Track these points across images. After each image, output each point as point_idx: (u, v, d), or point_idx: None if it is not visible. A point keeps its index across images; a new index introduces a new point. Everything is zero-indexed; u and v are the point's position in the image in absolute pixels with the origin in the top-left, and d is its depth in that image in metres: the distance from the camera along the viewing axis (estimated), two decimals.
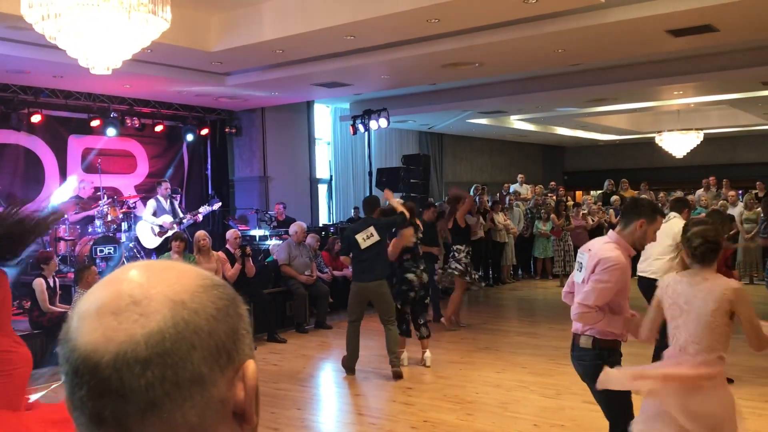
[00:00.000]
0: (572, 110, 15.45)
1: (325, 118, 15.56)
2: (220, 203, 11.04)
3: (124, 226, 9.95)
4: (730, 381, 3.53)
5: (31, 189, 10.29)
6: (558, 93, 12.51)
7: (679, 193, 13.84)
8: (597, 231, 13.70)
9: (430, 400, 5.88)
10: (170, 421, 0.66)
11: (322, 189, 15.47)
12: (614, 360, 3.50)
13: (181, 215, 10.11)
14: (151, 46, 5.42)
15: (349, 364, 6.79)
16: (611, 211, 14.38)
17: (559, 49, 8.58)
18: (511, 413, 5.49)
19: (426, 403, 5.82)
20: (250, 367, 0.72)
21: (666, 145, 16.51)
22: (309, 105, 14.09)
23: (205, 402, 0.68)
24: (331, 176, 15.64)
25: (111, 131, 10.86)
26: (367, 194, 13.52)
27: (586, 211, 13.83)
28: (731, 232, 7.87)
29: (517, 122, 17.60)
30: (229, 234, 8.73)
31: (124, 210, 10.08)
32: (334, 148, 15.65)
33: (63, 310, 7.35)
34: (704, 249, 3.21)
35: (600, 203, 15.01)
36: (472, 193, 13.62)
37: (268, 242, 11.00)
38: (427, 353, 7.02)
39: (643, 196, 14.49)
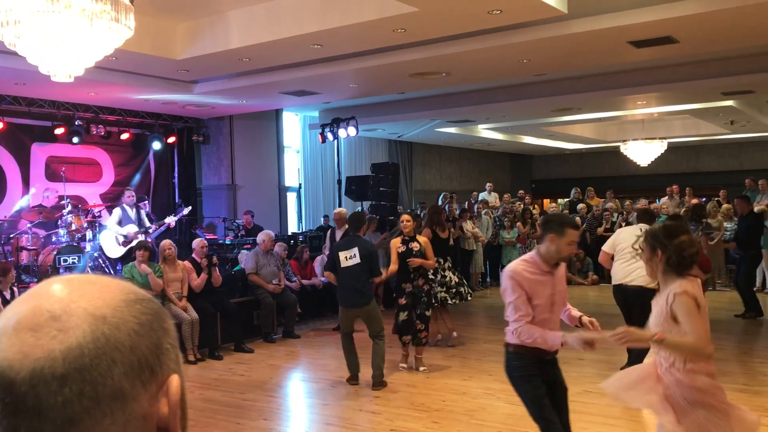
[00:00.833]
0: (539, 120, 15.63)
1: (294, 126, 15.53)
2: (189, 207, 10.94)
3: (89, 235, 9.80)
4: None
5: None
6: (524, 102, 12.66)
7: (643, 202, 14.14)
8: None
9: (397, 409, 5.88)
10: None
11: (291, 197, 15.41)
12: (521, 364, 3.62)
13: (147, 225, 10.00)
14: (116, 53, 5.38)
15: (352, 374, 6.70)
16: (577, 218, 14.55)
17: (524, 60, 8.68)
18: (477, 421, 5.51)
19: (393, 411, 5.82)
20: (174, 381, 0.72)
21: (631, 154, 16.80)
22: (278, 113, 14.06)
23: (126, 418, 0.67)
24: (300, 184, 15.60)
25: (76, 139, 10.70)
26: (337, 202, 13.55)
27: None
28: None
29: (485, 131, 17.76)
30: (196, 243, 8.66)
31: (88, 219, 9.94)
32: (303, 156, 15.61)
33: None
34: (695, 258, 3.15)
35: (567, 211, 15.20)
36: (440, 202, 13.71)
37: (235, 251, 10.92)
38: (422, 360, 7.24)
39: (609, 204, 14.72)
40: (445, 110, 13.59)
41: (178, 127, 12.65)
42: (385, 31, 7.13)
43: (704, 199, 14.34)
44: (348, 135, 12.49)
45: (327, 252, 9.42)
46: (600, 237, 13.72)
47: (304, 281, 10.14)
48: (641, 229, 6.33)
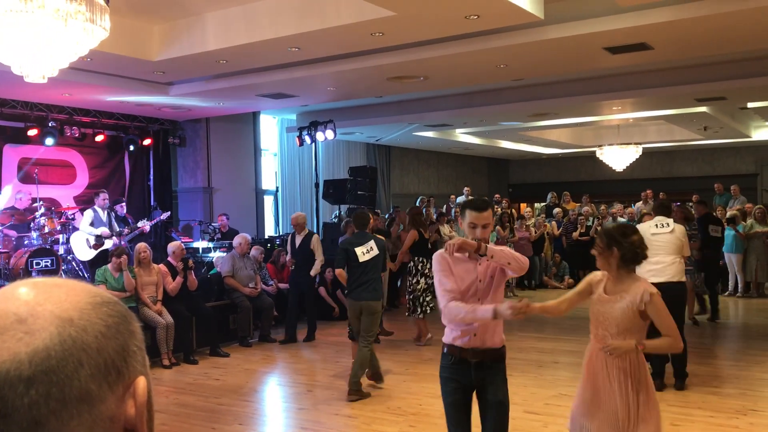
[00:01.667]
0: (516, 124, 15.74)
1: (271, 128, 15.46)
2: (168, 213, 10.84)
3: (62, 238, 9.67)
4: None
5: None
6: (501, 107, 12.74)
7: (618, 207, 14.27)
8: (540, 242, 13.98)
9: (373, 413, 5.87)
10: None
11: (269, 200, 15.34)
12: (443, 365, 3.60)
13: (118, 229, 9.88)
14: (91, 54, 5.31)
15: (373, 372, 6.65)
16: (553, 222, 14.68)
17: (501, 64, 8.74)
18: None
19: (369, 415, 5.81)
20: (140, 383, 0.72)
21: (607, 159, 16.98)
22: (255, 116, 13.99)
23: (93, 419, 0.67)
24: (277, 188, 15.53)
25: (49, 141, 10.56)
26: (315, 206, 13.51)
27: (530, 223, 14.09)
28: None
29: (463, 135, 17.83)
30: (171, 246, 8.58)
31: (62, 221, 9.81)
32: (280, 159, 15.55)
33: None
34: (645, 255, 3.44)
35: (543, 215, 15.32)
36: (418, 204, 13.73)
37: (211, 254, 10.84)
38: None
39: (585, 208, 14.86)
40: (422, 114, 13.62)
41: (154, 129, 12.54)
42: (362, 35, 7.14)
43: (678, 204, 14.51)
44: (326, 138, 12.47)
45: (288, 257, 9.38)
46: (576, 241, 13.86)
47: (281, 285, 10.09)
48: (657, 225, 6.30)
